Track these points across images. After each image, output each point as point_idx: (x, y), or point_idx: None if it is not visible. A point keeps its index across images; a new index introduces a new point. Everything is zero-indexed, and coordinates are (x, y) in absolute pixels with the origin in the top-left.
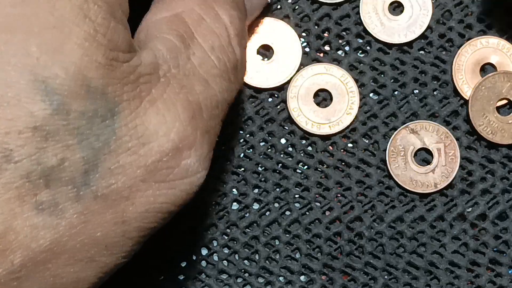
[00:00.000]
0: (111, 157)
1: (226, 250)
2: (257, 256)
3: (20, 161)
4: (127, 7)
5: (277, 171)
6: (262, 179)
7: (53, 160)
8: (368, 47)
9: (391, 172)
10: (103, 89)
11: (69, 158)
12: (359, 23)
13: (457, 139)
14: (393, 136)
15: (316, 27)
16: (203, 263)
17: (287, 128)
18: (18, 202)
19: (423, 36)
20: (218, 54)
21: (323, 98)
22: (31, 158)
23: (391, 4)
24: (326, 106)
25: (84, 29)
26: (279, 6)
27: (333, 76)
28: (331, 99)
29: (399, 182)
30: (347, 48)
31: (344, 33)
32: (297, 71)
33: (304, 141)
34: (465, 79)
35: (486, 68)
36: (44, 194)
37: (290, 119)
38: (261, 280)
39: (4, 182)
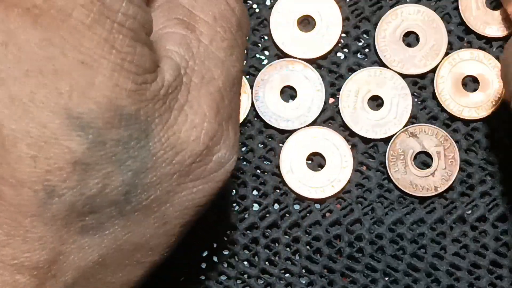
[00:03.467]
0: (148, 174)
1: (225, 252)
2: (256, 258)
3: (64, 195)
4: (151, 24)
5: (276, 173)
6: (262, 182)
7: (94, 189)
8: (367, 50)
9: (390, 176)
10: (136, 114)
11: (110, 184)
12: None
13: (457, 142)
14: (392, 139)
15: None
16: (203, 264)
17: None
18: (66, 229)
19: None
20: (222, 23)
21: None
22: (73, 191)
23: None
24: None
25: (112, 60)
26: None
27: None
28: None
29: (399, 186)
30: (346, 50)
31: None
32: None
33: None
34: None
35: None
36: (89, 218)
37: None
38: (260, 282)
39: (51, 215)
